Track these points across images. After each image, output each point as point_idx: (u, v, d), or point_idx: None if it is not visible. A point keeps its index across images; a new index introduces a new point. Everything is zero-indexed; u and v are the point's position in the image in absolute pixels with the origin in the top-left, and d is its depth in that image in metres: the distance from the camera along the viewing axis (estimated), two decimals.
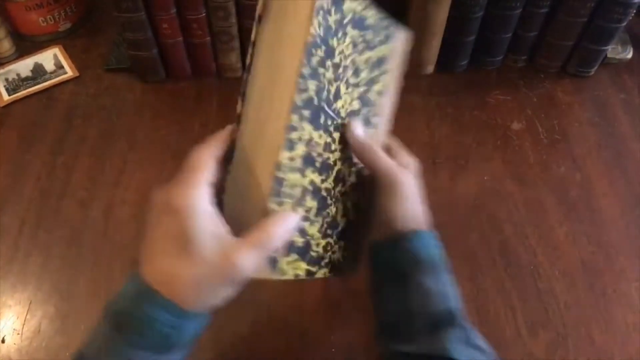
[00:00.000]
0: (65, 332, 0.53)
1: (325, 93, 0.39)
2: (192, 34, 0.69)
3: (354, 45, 0.41)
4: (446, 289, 0.42)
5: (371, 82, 0.45)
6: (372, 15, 0.43)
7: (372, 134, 0.46)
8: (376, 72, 0.45)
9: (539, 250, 0.58)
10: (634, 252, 0.58)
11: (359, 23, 0.41)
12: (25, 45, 0.78)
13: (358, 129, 0.43)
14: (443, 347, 0.39)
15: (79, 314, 0.54)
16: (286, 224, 0.36)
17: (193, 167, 0.36)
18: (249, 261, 0.34)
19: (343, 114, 0.42)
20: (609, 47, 0.72)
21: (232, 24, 0.67)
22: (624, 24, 0.67)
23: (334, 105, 0.41)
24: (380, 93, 0.47)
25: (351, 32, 0.41)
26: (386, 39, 0.45)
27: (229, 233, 0.36)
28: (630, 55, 0.76)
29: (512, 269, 0.57)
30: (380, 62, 0.45)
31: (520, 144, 0.68)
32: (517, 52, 0.74)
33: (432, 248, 0.42)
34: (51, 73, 0.74)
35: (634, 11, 0.68)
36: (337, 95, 0.41)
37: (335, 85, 0.40)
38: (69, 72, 0.74)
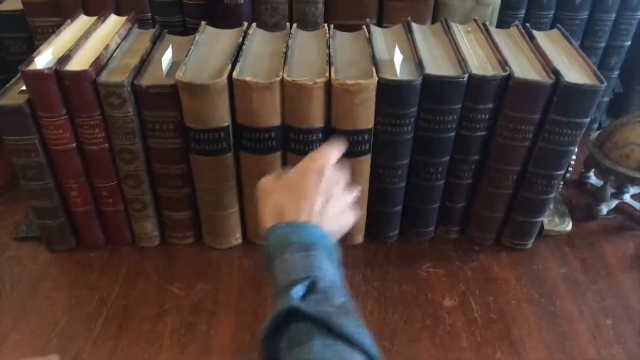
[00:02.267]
0: None
1: None
2: (103, 202, 0.66)
3: None
4: (305, 262, 0.43)
5: None
6: None
7: None
8: None
9: None
10: None
11: None
12: None
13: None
14: (285, 299, 0.40)
15: None
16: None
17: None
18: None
19: None
20: (542, 219, 0.69)
21: (146, 192, 0.65)
22: (552, 195, 0.65)
23: None
24: None
25: None
26: None
27: None
28: (569, 228, 0.73)
29: None
30: None
31: (453, 323, 0.61)
32: (448, 223, 0.71)
33: (287, 234, 0.46)
34: None
35: (560, 182, 0.66)
36: None
37: None
38: None
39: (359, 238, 0.71)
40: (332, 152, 0.51)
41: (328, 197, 0.48)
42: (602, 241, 0.73)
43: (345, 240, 0.69)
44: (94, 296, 0.63)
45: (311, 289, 0.41)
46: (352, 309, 0.41)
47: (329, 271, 0.43)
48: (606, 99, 0.91)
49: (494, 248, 0.71)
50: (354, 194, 0.52)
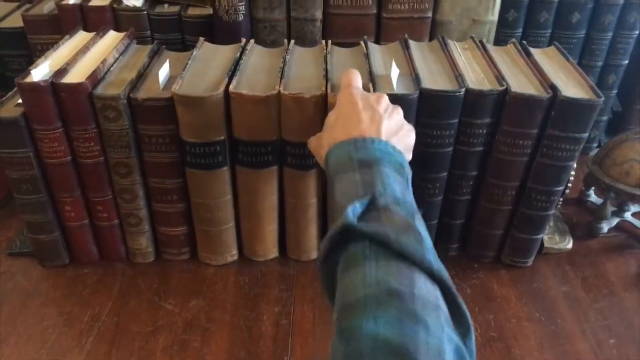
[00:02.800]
0: None
1: None
2: (97, 216, 0.65)
3: None
4: (367, 178, 0.42)
5: None
6: None
7: None
8: None
9: None
10: None
11: None
12: None
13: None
14: (341, 217, 0.38)
15: None
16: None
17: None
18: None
19: None
20: (542, 236, 0.68)
21: (141, 207, 0.64)
22: (551, 212, 0.65)
23: None
24: None
25: None
26: None
27: None
28: (570, 246, 0.72)
29: None
30: None
31: None
32: (447, 240, 0.70)
33: (347, 152, 0.45)
34: None
35: (560, 199, 0.65)
36: None
37: None
38: None
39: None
40: (350, 75, 0.53)
41: (382, 114, 0.48)
42: (603, 259, 0.72)
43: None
44: (85, 312, 0.62)
45: (371, 206, 0.39)
46: (416, 225, 0.38)
47: (395, 187, 0.41)
48: (605, 118, 0.91)
49: (493, 265, 0.70)
50: (400, 111, 0.52)
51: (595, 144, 0.92)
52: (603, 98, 0.56)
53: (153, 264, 0.69)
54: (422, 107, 0.58)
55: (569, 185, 0.64)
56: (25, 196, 0.62)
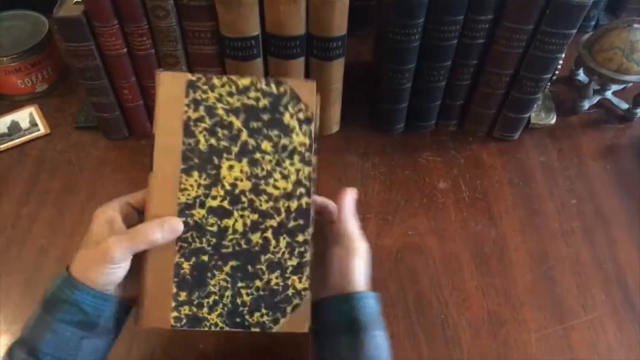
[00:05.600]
0: None
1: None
2: (151, 98, 0.77)
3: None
4: (388, 343, 0.48)
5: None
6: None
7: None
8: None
9: (450, 301, 0.64)
10: (537, 304, 0.64)
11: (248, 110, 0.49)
12: (5, 104, 0.86)
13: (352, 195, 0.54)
14: None
15: None
16: (161, 225, 0.46)
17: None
18: (119, 245, 0.44)
19: None
20: (529, 115, 0.79)
21: None
22: (538, 95, 0.75)
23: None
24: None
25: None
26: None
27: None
28: (553, 121, 0.84)
29: (424, 318, 0.63)
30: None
31: (444, 201, 0.74)
32: (447, 118, 0.82)
33: (379, 308, 0.49)
34: (25, 130, 0.82)
35: (547, 84, 0.75)
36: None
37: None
38: (42, 129, 0.82)
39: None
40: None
41: None
42: (580, 133, 0.84)
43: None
44: None
45: None
46: None
47: None
48: None
49: (485, 139, 0.82)
50: None
51: (593, 22, 0.98)
52: (591, 1, 0.64)
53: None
54: (432, 5, 0.66)
55: (557, 72, 0.74)
56: (90, 82, 0.73)
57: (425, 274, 0.67)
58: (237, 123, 0.48)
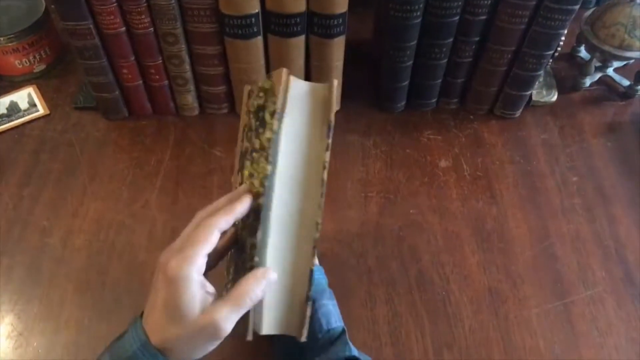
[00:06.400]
0: (20, 347, 0.59)
1: None
2: (150, 78, 0.76)
3: None
4: (337, 310, 0.49)
5: None
6: None
7: None
8: None
9: (451, 278, 0.65)
10: (537, 281, 0.64)
11: None
12: (3, 84, 0.85)
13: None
14: (344, 348, 0.47)
15: (33, 333, 0.60)
16: (258, 281, 0.41)
17: (197, 239, 0.40)
18: (228, 318, 0.39)
19: None
20: (530, 92, 0.79)
21: (187, 70, 0.75)
22: (540, 72, 0.75)
23: None
24: None
25: None
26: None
27: (214, 295, 0.40)
28: (554, 99, 0.83)
29: (426, 295, 0.63)
30: None
31: (446, 180, 0.74)
32: (449, 95, 0.81)
33: (322, 279, 0.49)
34: (25, 111, 0.81)
35: (549, 61, 0.75)
36: None
37: None
38: (41, 110, 0.82)
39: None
40: None
41: None
42: (581, 111, 0.84)
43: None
44: (150, 158, 0.76)
45: None
46: None
47: None
48: None
49: (486, 117, 0.82)
50: None
51: None
52: None
53: (198, 117, 0.82)
54: None
55: (559, 49, 0.73)
56: (88, 61, 0.72)
57: (426, 251, 0.67)
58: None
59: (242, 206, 0.42)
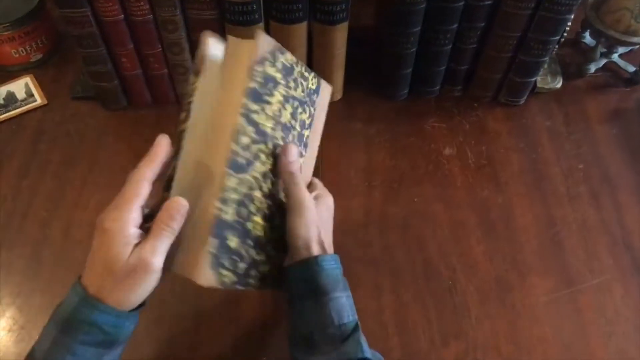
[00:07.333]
0: (22, 341, 0.58)
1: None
2: (150, 67, 0.75)
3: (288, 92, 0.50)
4: (351, 302, 0.48)
5: (304, 125, 0.53)
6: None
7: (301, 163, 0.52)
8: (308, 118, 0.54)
9: (458, 267, 0.64)
10: (543, 269, 0.64)
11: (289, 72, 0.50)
12: None
13: (291, 155, 0.49)
14: (356, 349, 0.45)
15: (35, 325, 0.59)
16: (167, 207, 0.43)
17: (126, 194, 0.44)
18: (153, 251, 0.42)
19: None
20: (535, 79, 0.78)
21: (187, 59, 0.74)
22: (546, 58, 0.74)
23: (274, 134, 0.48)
24: (310, 134, 0.55)
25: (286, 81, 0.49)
26: (317, 90, 0.54)
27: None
28: (559, 86, 0.82)
29: (432, 284, 0.63)
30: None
31: (450, 168, 0.73)
32: (452, 83, 0.80)
33: (337, 269, 0.48)
34: (22, 101, 0.80)
35: (554, 47, 0.74)
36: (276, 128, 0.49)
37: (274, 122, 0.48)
38: (39, 100, 0.80)
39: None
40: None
41: None
42: (586, 97, 0.83)
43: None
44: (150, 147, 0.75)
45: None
46: None
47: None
48: None
49: (490, 104, 0.81)
50: None
51: None
52: None
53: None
54: None
55: (565, 35, 0.72)
56: (87, 50, 0.71)
57: (432, 240, 0.66)
58: None
59: (161, 150, 0.46)
